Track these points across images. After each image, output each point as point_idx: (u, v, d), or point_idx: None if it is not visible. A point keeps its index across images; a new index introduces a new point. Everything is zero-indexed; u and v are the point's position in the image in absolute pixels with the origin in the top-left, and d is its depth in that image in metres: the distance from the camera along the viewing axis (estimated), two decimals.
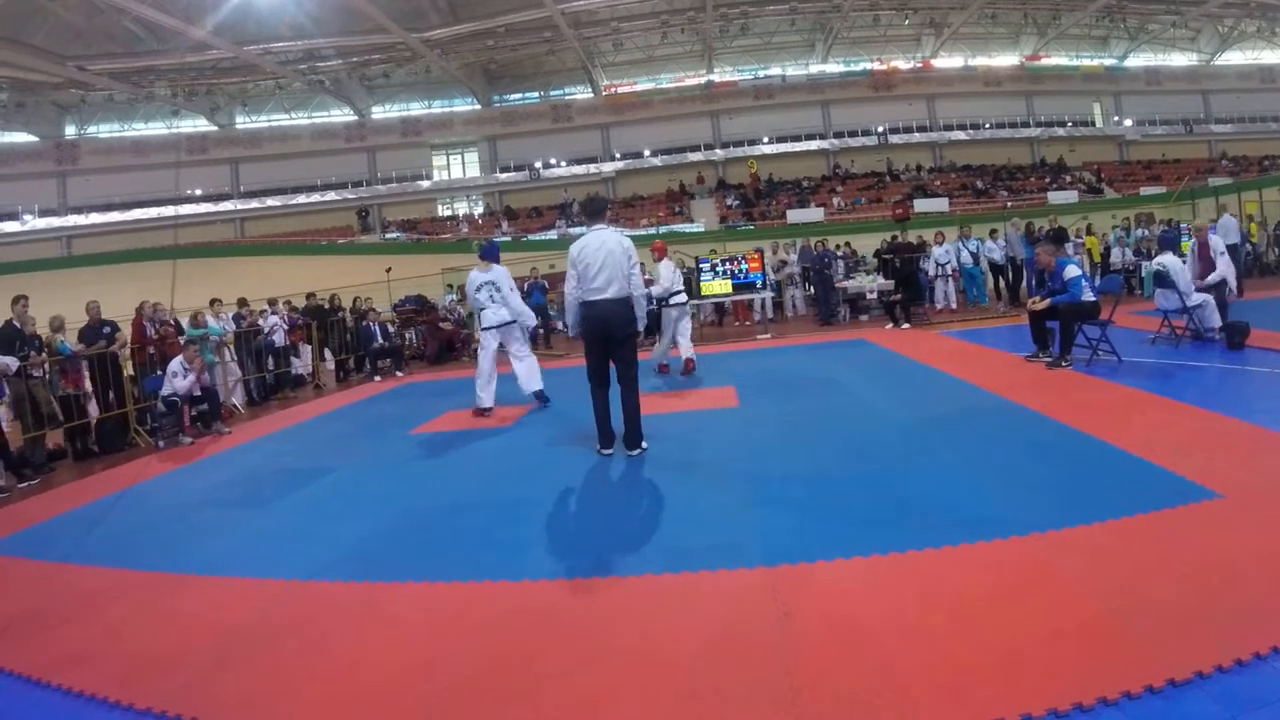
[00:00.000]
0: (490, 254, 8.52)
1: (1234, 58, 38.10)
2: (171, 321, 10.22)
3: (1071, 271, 7.73)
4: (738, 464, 5.28)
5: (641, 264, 6.04)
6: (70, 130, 35.13)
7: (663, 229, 28.84)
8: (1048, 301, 7.82)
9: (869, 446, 5.46)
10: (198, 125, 35.59)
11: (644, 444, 5.76)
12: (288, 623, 3.42)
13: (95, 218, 35.04)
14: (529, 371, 8.40)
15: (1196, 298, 8.23)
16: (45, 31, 26.01)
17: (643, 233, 27.96)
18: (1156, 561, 3.11)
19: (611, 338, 5.64)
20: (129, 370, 9.66)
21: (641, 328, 6.08)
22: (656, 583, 3.39)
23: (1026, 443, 5.16)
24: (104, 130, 35.64)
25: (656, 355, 9.91)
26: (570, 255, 5.77)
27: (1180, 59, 38.23)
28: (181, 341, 9.45)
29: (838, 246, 17.64)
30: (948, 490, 4.27)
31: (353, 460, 6.81)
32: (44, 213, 34.90)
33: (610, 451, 5.81)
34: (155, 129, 35.68)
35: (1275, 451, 4.39)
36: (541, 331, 16.19)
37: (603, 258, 5.58)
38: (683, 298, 9.61)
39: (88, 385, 9.32)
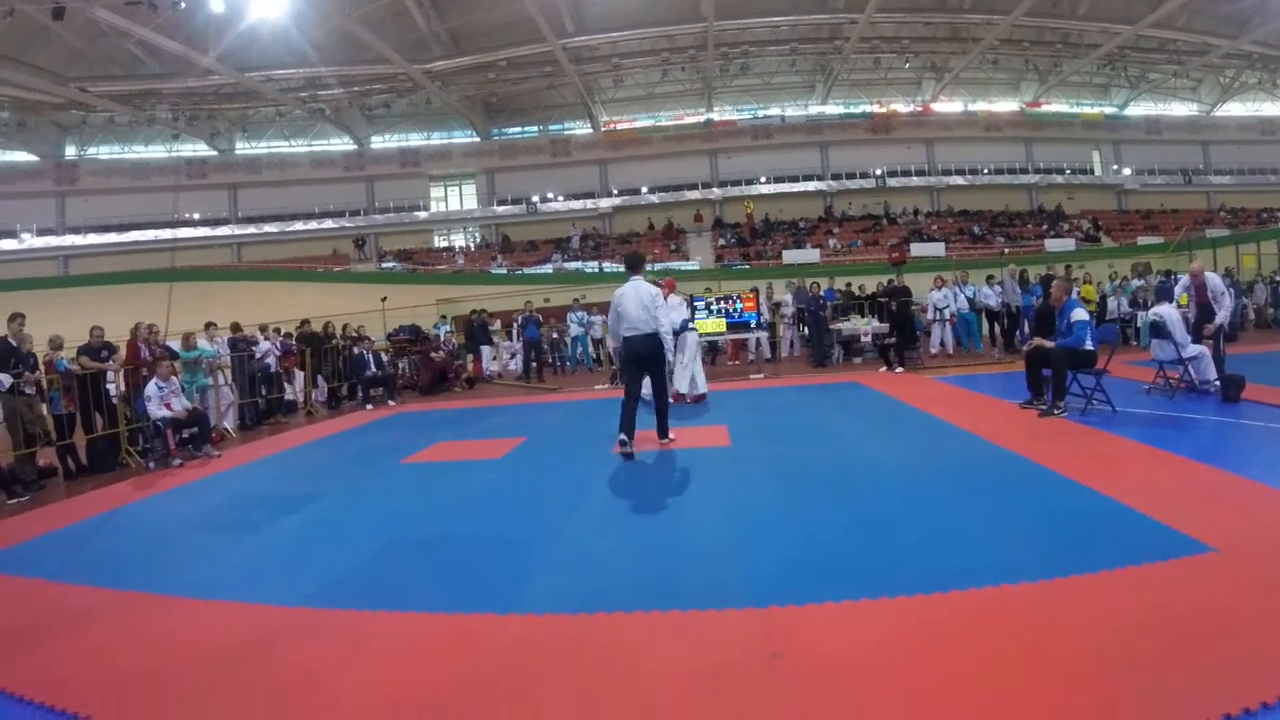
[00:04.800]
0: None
1: (1234, 109, 38.32)
2: (163, 345, 10.16)
3: (1079, 315, 7.68)
4: (728, 503, 5.26)
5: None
6: (70, 151, 35.30)
7: (659, 266, 28.94)
8: (1041, 341, 7.87)
9: (860, 489, 5.43)
10: (197, 150, 35.71)
11: (670, 435, 7.42)
12: (273, 648, 3.37)
13: (93, 238, 35.13)
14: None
15: (1192, 349, 8.24)
16: (48, 52, 26.14)
17: None
18: (1149, 614, 3.09)
19: (644, 361, 7.10)
20: (121, 389, 9.59)
21: (670, 355, 7.55)
22: (645, 620, 3.36)
23: (1018, 491, 5.15)
24: (104, 152, 35.81)
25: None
26: (612, 299, 7.29)
27: (1181, 109, 38.42)
28: (178, 365, 9.41)
29: (847, 286, 17.54)
30: (938, 536, 4.24)
31: (343, 487, 6.77)
32: (42, 232, 34.96)
33: (626, 442, 6.85)
34: (155, 152, 35.80)
35: (1269, 506, 4.38)
36: (534, 365, 16.25)
37: (630, 305, 7.01)
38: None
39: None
